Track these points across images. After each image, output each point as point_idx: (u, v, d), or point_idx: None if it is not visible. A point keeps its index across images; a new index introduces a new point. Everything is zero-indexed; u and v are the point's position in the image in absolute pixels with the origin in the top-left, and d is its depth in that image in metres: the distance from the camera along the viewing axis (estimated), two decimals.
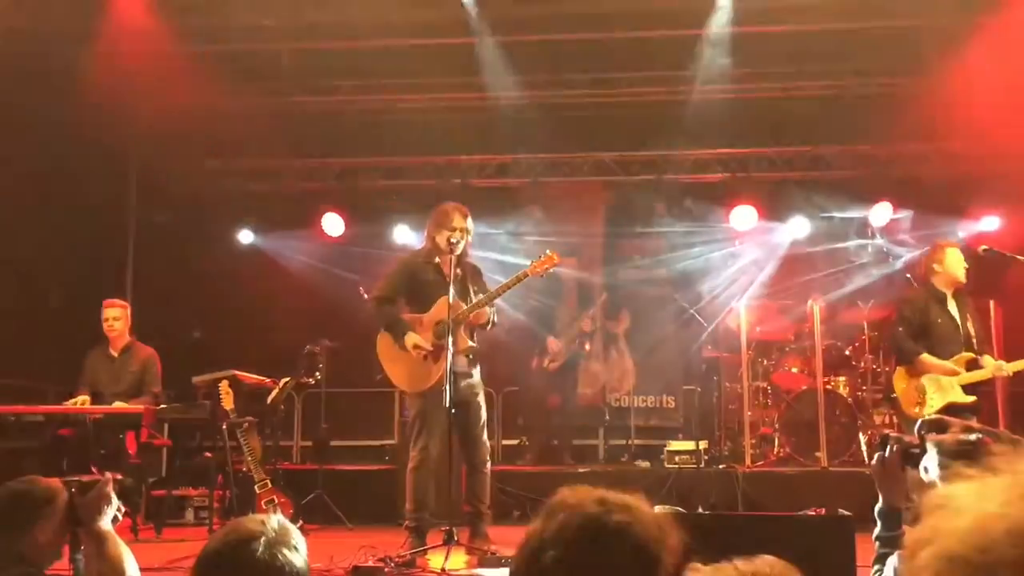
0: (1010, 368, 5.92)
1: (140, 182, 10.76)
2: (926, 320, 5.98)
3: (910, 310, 6.12)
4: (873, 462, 2.83)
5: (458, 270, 5.53)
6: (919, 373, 5.95)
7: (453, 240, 5.42)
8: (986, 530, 0.97)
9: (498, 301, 5.70)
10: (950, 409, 5.65)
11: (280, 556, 1.82)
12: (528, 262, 5.55)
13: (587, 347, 9.23)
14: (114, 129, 9.56)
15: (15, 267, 8.42)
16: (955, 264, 5.98)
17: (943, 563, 0.99)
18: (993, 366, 5.84)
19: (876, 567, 2.76)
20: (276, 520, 1.92)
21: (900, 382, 6.12)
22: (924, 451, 2.71)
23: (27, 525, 2.99)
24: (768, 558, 1.62)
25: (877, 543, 2.78)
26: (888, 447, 2.76)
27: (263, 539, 1.84)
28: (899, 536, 2.76)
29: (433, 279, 5.60)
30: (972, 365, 5.89)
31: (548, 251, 5.45)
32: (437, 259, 5.56)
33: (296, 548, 1.87)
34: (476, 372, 5.61)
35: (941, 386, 5.85)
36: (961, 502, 1.02)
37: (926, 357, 5.88)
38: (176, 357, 7.77)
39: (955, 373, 5.79)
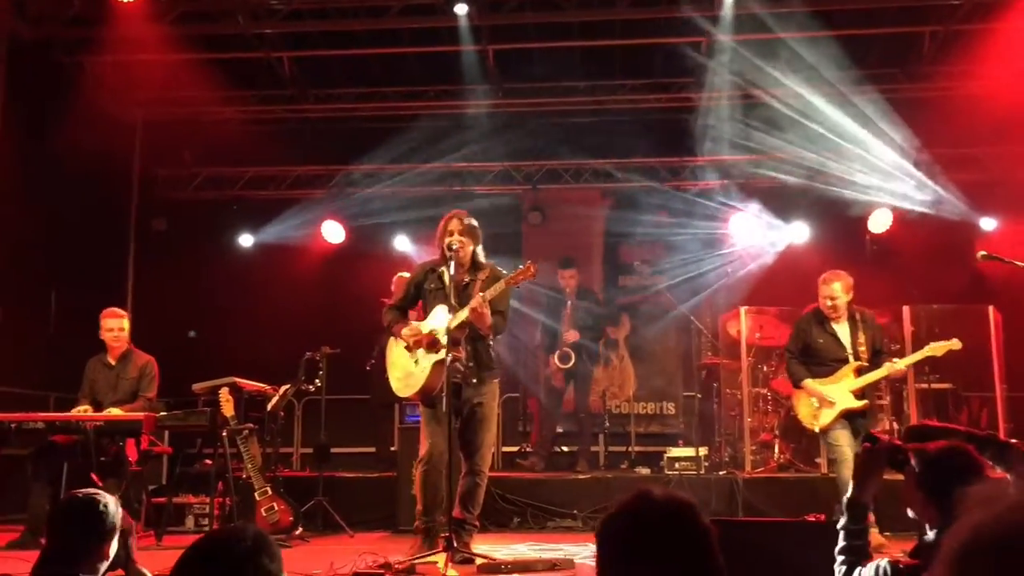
0: (903, 363, 6.49)
1: (141, 190, 10.78)
2: (808, 340, 6.59)
3: (795, 333, 6.74)
4: (857, 452, 2.89)
5: (466, 276, 5.56)
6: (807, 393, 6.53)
7: (453, 247, 5.44)
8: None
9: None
10: (846, 415, 6.31)
11: (257, 564, 1.83)
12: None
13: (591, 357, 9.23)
14: (115, 137, 9.59)
15: (16, 275, 8.42)
16: (822, 302, 6.51)
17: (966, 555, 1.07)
18: (887, 366, 6.35)
19: (841, 558, 2.82)
20: (253, 530, 1.93)
21: (797, 401, 6.68)
22: (908, 458, 2.78)
23: (103, 540, 2.95)
24: None
25: (842, 533, 2.84)
26: (876, 443, 2.83)
27: (241, 547, 1.85)
28: (864, 529, 2.82)
29: (435, 287, 5.61)
30: (863, 371, 6.38)
31: (528, 261, 5.42)
32: (443, 268, 5.56)
33: (272, 558, 1.87)
34: (486, 382, 5.59)
35: (832, 399, 6.35)
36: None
37: (808, 383, 6.46)
38: (176, 364, 7.78)
39: (830, 403, 6.34)
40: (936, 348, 6.43)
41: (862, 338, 6.44)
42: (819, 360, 6.52)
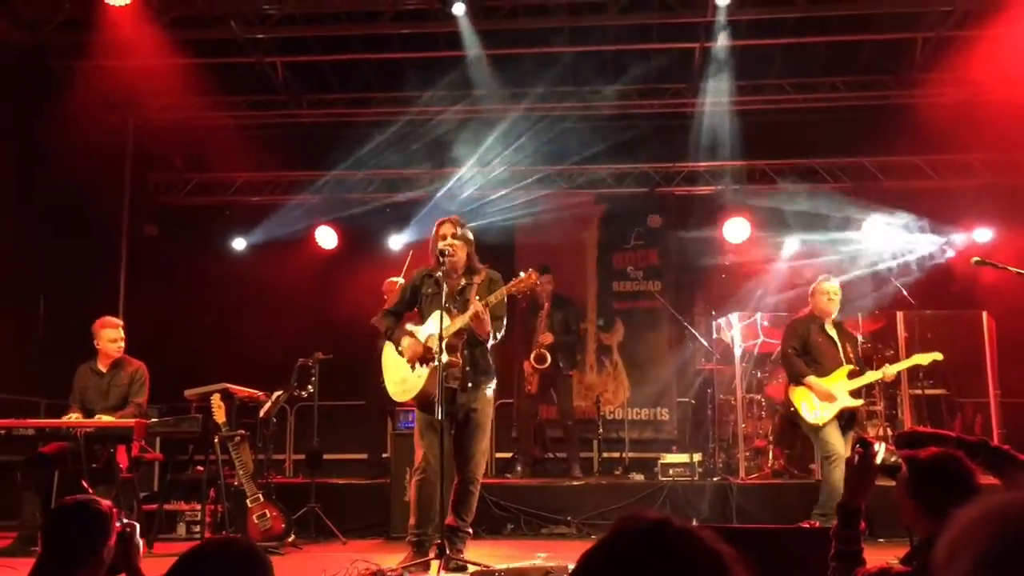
0: (893, 370, 6.96)
1: (132, 195, 10.74)
2: (808, 339, 6.89)
3: (792, 332, 7.01)
4: (848, 457, 2.89)
5: (461, 280, 5.55)
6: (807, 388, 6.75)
7: (447, 251, 5.43)
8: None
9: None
10: (842, 413, 6.64)
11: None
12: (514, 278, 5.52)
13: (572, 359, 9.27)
14: (106, 142, 9.56)
15: (5, 281, 8.37)
16: (821, 300, 6.89)
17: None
18: (880, 371, 6.88)
19: (834, 564, 2.81)
20: (243, 546, 1.90)
21: (795, 397, 6.82)
22: (900, 464, 2.77)
23: (99, 545, 2.87)
24: None
25: (835, 540, 2.83)
26: (869, 448, 2.82)
27: (228, 564, 1.83)
28: (857, 535, 2.81)
29: (432, 292, 5.60)
30: (854, 375, 6.76)
31: (530, 269, 5.41)
32: (439, 272, 5.54)
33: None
34: (481, 388, 5.57)
35: (831, 394, 6.64)
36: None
37: (811, 379, 6.72)
38: (168, 370, 7.73)
39: (832, 398, 6.62)
40: (921, 358, 6.99)
41: (848, 345, 6.87)
42: (816, 360, 6.82)
